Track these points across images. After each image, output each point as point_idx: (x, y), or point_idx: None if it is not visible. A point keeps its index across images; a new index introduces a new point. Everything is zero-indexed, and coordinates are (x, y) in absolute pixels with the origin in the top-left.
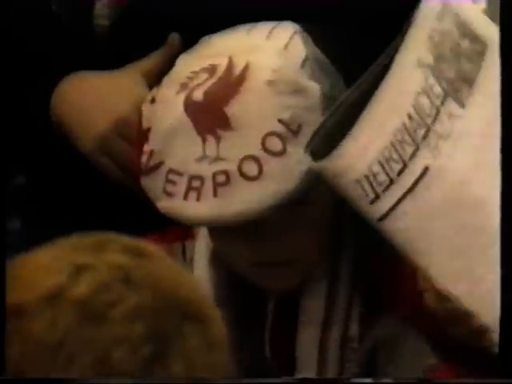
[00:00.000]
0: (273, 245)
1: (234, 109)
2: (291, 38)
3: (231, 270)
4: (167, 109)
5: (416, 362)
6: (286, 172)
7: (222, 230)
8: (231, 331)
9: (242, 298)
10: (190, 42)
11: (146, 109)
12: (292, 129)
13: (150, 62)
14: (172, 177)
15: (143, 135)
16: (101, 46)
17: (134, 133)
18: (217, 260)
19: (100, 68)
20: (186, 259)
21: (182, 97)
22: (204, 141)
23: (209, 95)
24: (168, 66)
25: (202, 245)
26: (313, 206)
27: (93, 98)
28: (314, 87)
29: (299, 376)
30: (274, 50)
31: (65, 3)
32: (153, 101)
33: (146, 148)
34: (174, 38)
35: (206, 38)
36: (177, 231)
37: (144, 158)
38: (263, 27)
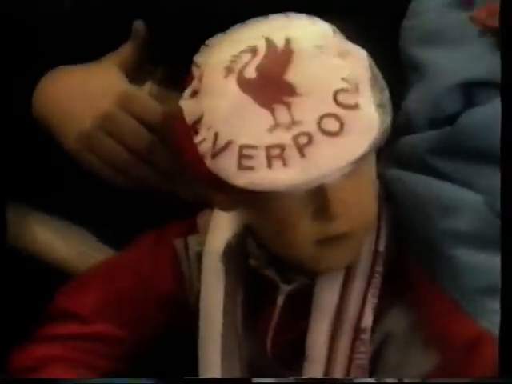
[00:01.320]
0: (340, 215)
1: (294, 76)
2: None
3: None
4: (220, 93)
5: (422, 360)
6: (366, 124)
7: (291, 210)
8: (238, 323)
9: (253, 292)
10: (157, 29)
11: (187, 104)
12: (355, 85)
13: (122, 53)
14: (247, 151)
15: (190, 130)
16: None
17: (119, 127)
18: (233, 252)
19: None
20: (189, 255)
21: (232, 78)
22: (272, 111)
23: (262, 70)
24: (141, 55)
25: (216, 237)
26: (368, 167)
27: (75, 94)
28: (360, 50)
29: (307, 367)
30: (307, 24)
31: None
32: (194, 94)
33: (200, 137)
34: (139, 25)
35: (232, 28)
36: (178, 226)
37: (206, 144)
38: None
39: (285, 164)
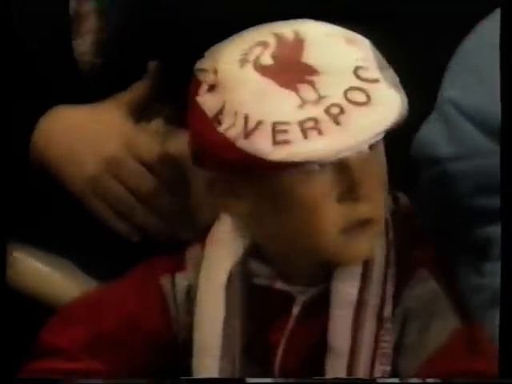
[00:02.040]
0: (365, 197)
1: (311, 58)
2: None
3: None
4: (240, 82)
5: (443, 326)
6: (389, 97)
7: (319, 192)
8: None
9: (261, 310)
10: (170, 69)
11: (205, 99)
12: (369, 65)
13: (132, 93)
14: (280, 127)
15: (213, 122)
16: (84, 81)
17: (125, 172)
18: (235, 279)
19: (85, 101)
20: (176, 291)
21: (249, 67)
22: (297, 91)
23: (278, 56)
24: (151, 94)
25: (212, 269)
26: (382, 153)
27: (80, 137)
28: (364, 40)
29: (331, 358)
30: (312, 21)
31: (43, 41)
32: (212, 88)
33: (226, 124)
34: (154, 66)
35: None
36: (165, 262)
37: (236, 128)
38: None
39: (321, 133)
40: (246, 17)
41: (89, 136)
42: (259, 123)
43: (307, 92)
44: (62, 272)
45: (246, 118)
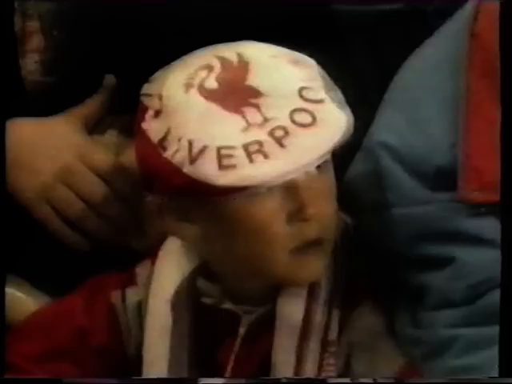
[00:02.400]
0: (313, 216)
1: (255, 80)
2: None
3: (202, 302)
4: (184, 107)
5: (389, 363)
6: (335, 116)
7: (268, 213)
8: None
9: (209, 329)
10: (124, 81)
11: (150, 124)
12: (313, 86)
13: (87, 107)
14: (225, 151)
15: (157, 148)
16: (32, 99)
17: (77, 180)
18: (182, 296)
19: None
20: (127, 306)
21: (194, 91)
22: (242, 114)
23: (222, 80)
24: (106, 108)
25: (162, 285)
26: (331, 172)
27: (34, 148)
28: (309, 60)
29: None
30: (255, 43)
31: None
32: (157, 114)
33: (171, 150)
34: (110, 80)
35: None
36: (115, 278)
37: (181, 153)
38: None
39: (266, 157)
40: (200, 30)
41: (42, 147)
42: (204, 148)
43: (252, 115)
44: (15, 288)
45: (191, 144)
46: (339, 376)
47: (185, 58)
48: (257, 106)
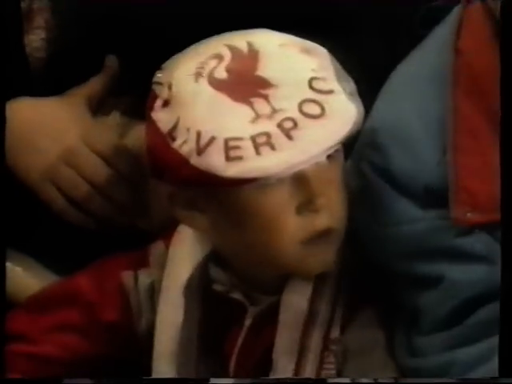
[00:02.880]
0: (323, 208)
1: (265, 71)
2: None
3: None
4: (193, 96)
5: (381, 372)
6: (344, 107)
7: (278, 204)
8: (201, 348)
9: (217, 316)
10: (128, 62)
11: (160, 114)
12: (324, 75)
13: (90, 87)
14: (233, 143)
15: (166, 138)
16: (36, 77)
17: (81, 160)
18: (195, 282)
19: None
20: (139, 287)
21: (203, 81)
22: (251, 104)
23: (232, 70)
24: (109, 88)
25: (176, 270)
26: (340, 163)
27: (38, 128)
28: (320, 47)
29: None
30: (266, 31)
31: None
32: (166, 103)
33: (180, 140)
34: (112, 60)
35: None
36: (125, 259)
37: (189, 144)
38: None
39: (273, 149)
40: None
41: (46, 127)
42: (212, 139)
43: (261, 106)
44: (23, 267)
45: (199, 135)
46: (338, 375)
47: (195, 46)
48: (266, 97)
